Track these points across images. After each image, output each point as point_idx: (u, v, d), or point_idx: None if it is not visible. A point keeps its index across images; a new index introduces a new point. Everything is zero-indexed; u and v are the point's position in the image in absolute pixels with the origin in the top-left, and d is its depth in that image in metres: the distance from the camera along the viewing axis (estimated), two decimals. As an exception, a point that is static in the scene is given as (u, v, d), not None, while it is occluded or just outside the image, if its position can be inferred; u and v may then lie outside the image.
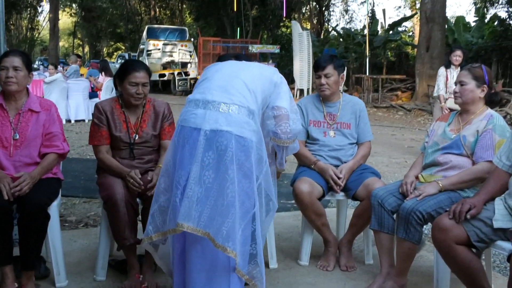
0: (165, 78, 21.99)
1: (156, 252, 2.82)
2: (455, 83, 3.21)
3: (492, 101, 3.18)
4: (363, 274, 3.42)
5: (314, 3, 27.50)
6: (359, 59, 22.42)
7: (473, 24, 22.41)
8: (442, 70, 7.63)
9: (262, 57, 19.28)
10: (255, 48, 18.41)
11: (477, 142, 3.03)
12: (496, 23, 20.68)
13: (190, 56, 23.16)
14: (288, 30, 30.71)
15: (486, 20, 21.63)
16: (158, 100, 3.48)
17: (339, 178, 3.45)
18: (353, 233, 3.54)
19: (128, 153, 3.29)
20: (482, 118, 3.09)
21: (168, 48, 23.51)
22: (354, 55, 22.63)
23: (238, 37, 24.03)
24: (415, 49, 23.87)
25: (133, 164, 3.27)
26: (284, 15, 21.35)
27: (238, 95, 2.57)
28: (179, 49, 23.32)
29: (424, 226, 2.99)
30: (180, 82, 21.20)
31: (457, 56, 7.45)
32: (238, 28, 24.77)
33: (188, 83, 21.09)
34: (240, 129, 2.48)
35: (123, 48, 46.99)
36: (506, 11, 19.90)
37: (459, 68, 7.49)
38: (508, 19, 19.53)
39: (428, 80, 16.11)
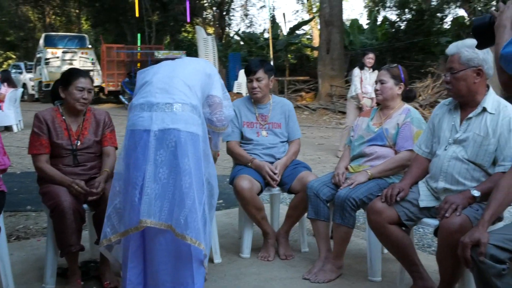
0: (67, 87, 21.26)
1: (110, 253, 2.94)
2: (376, 82, 3.58)
3: (407, 97, 3.59)
4: (302, 261, 3.70)
5: (215, 8, 27.83)
6: (262, 62, 22.99)
7: (366, 26, 23.73)
8: (357, 71, 8.14)
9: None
10: (161, 54, 18.33)
11: (398, 133, 3.41)
12: (387, 25, 22.08)
13: (92, 63, 22.59)
14: (189, 35, 30.81)
15: (378, 23, 22.99)
16: (97, 109, 3.60)
17: (275, 173, 3.71)
18: (289, 224, 3.81)
19: (71, 160, 3.33)
20: (401, 112, 3.47)
21: (68, 56, 22.75)
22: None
23: (139, 43, 23.75)
24: (314, 51, 24.92)
25: (77, 172, 3.32)
26: (188, 20, 21.42)
27: (179, 93, 2.77)
28: (79, 57, 22.64)
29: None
30: (83, 91, 20.61)
31: (370, 58, 8.04)
32: (139, 34, 24.49)
33: (92, 91, 20.57)
34: (186, 125, 2.69)
35: (14, 57, 44.66)
36: (397, 14, 21.26)
37: (371, 70, 8.09)
38: (398, 21, 20.92)
39: (330, 80, 16.92)
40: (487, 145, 2.76)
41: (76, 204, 3.10)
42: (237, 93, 18.73)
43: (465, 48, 2.81)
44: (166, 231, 2.63)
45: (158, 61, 18.25)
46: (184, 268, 2.71)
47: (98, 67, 22.35)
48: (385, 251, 3.55)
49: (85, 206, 3.22)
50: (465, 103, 2.89)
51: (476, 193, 2.68)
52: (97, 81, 21.12)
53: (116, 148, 3.50)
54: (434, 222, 2.85)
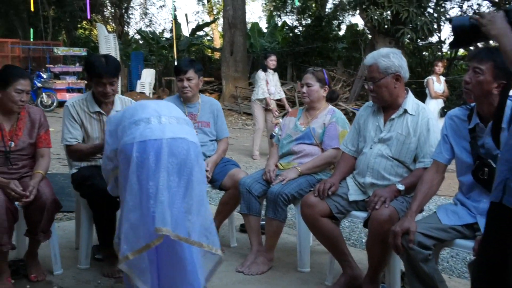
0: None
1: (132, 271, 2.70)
2: (302, 85, 3.78)
3: (331, 97, 3.83)
4: (232, 255, 3.82)
5: (114, 6, 27.16)
6: (162, 61, 22.88)
7: (265, 30, 24.30)
8: (262, 74, 8.35)
9: (68, 60, 18.55)
10: (60, 51, 17.62)
11: (324, 133, 3.64)
12: (286, 30, 22.75)
13: (-19, 58, 21.22)
14: (87, 32, 29.81)
15: (278, 27, 23.60)
16: (33, 107, 3.47)
17: (206, 171, 3.80)
18: (219, 220, 3.92)
19: (3, 161, 3.22)
20: (326, 113, 3.71)
21: (-46, 50, 21.19)
22: (156, 58, 23.00)
23: (32, 39, 22.63)
24: (215, 53, 25.10)
25: (6, 170, 3.22)
26: (89, 17, 20.75)
27: (177, 111, 2.84)
28: (-33, 51, 21.19)
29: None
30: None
31: (273, 60, 8.33)
32: (32, 29, 23.33)
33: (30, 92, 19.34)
34: (191, 136, 2.71)
35: None
36: (296, 19, 21.95)
37: (273, 71, 8.37)
38: (298, 27, 21.62)
39: (233, 81, 17.16)
40: (408, 144, 3.05)
41: (8, 203, 3.02)
42: (140, 92, 18.47)
43: (381, 58, 3.07)
44: (172, 240, 2.60)
45: (56, 58, 17.16)
46: (191, 273, 2.72)
47: (-12, 63, 21.08)
48: (311, 243, 3.79)
49: (16, 203, 3.13)
50: (388, 106, 3.16)
51: (401, 187, 2.96)
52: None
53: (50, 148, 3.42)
54: (362, 214, 3.10)
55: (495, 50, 2.50)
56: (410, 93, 3.18)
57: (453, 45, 2.26)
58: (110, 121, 2.88)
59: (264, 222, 3.62)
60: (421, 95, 9.26)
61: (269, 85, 8.28)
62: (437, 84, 8.96)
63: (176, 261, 2.69)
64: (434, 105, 8.66)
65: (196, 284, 2.76)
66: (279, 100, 8.68)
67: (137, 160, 2.56)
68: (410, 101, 3.13)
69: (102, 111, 3.56)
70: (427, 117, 3.09)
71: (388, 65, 3.05)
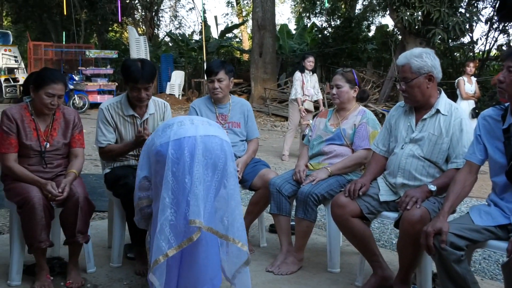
0: (-9, 85, 20.30)
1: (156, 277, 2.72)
2: (331, 87, 3.78)
3: (361, 97, 3.83)
4: (262, 255, 3.84)
5: (145, 9, 27.52)
6: (192, 63, 23.06)
7: (294, 32, 24.27)
8: (298, 75, 8.42)
9: (99, 63, 18.84)
10: (92, 53, 17.93)
11: (355, 133, 3.63)
12: (315, 31, 22.68)
13: (16, 61, 21.68)
14: (118, 35, 30.24)
15: (306, 29, 23.56)
16: (67, 108, 3.53)
17: (237, 171, 3.83)
18: (249, 220, 3.94)
19: (38, 161, 3.30)
20: (357, 114, 3.70)
21: (-10, 52, 21.69)
22: (186, 60, 23.19)
23: (64, 42, 23.08)
24: (244, 54, 25.19)
25: (41, 169, 3.30)
26: (120, 20, 21.07)
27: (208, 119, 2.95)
28: (2, 54, 21.65)
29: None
30: (8, 89, 19.73)
31: (310, 62, 8.37)
32: (64, 32, 23.79)
33: (18, 90, 19.80)
34: (224, 135, 2.80)
35: None
36: (326, 21, 21.88)
37: (311, 72, 8.39)
38: (328, 28, 21.54)
39: (262, 83, 17.20)
40: (441, 144, 3.02)
41: (45, 200, 3.10)
42: (170, 94, 18.65)
43: (413, 58, 3.05)
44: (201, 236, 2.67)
45: (88, 60, 17.51)
46: (215, 269, 2.82)
47: (23, 65, 21.51)
48: (341, 244, 3.78)
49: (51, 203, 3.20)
50: (420, 106, 3.14)
51: (432, 187, 2.93)
52: (23, 80, 20.26)
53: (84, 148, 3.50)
54: (393, 215, 3.08)
55: None
56: (443, 93, 3.15)
57: (503, 18, 2.22)
58: (142, 150, 2.96)
59: (294, 223, 3.63)
60: (452, 96, 9.13)
61: (305, 85, 8.32)
62: (468, 85, 8.83)
63: (199, 257, 2.74)
64: (465, 106, 8.53)
65: (216, 281, 2.82)
66: (316, 101, 8.69)
67: (173, 157, 2.63)
68: (443, 101, 3.11)
69: (136, 115, 3.61)
70: (460, 117, 3.05)
71: (421, 65, 3.02)
